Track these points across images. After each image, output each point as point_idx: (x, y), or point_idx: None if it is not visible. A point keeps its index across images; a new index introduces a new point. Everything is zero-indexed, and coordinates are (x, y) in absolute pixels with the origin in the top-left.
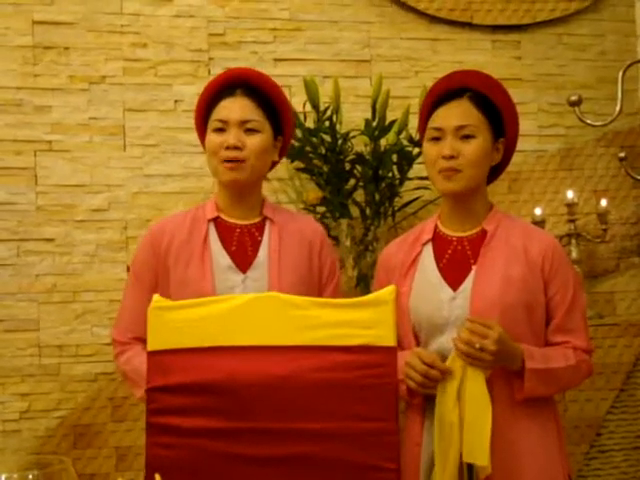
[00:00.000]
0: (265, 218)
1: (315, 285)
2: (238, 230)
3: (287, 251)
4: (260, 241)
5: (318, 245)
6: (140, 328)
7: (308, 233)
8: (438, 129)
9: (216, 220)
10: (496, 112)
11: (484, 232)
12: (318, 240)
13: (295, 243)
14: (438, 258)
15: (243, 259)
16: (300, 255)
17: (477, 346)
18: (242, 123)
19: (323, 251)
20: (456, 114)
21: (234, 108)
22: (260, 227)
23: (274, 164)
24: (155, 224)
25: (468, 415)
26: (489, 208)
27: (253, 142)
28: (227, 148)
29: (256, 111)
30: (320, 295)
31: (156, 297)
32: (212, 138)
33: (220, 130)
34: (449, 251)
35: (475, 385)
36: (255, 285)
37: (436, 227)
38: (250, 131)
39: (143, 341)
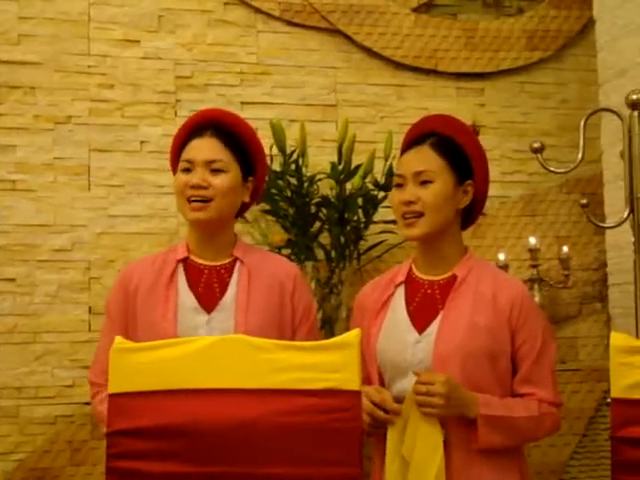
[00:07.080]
0: (236, 259)
1: (287, 327)
2: (206, 271)
3: (256, 292)
4: (228, 282)
5: (290, 286)
6: None
7: (280, 274)
8: (400, 176)
9: (185, 261)
10: (461, 154)
11: (454, 277)
12: (291, 281)
13: (265, 284)
14: (408, 301)
15: (209, 300)
16: (270, 296)
17: (424, 389)
18: (208, 163)
19: (296, 293)
20: (415, 160)
21: (201, 148)
22: (230, 268)
23: (246, 206)
24: (126, 266)
25: (416, 458)
26: (462, 253)
27: (218, 182)
28: (192, 187)
29: (223, 151)
30: (293, 337)
31: (118, 339)
32: (179, 177)
33: (187, 170)
34: (419, 294)
35: (427, 429)
36: (221, 326)
37: (410, 270)
38: (216, 171)
39: None
